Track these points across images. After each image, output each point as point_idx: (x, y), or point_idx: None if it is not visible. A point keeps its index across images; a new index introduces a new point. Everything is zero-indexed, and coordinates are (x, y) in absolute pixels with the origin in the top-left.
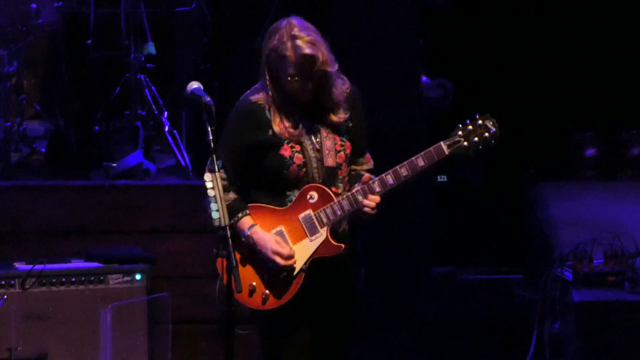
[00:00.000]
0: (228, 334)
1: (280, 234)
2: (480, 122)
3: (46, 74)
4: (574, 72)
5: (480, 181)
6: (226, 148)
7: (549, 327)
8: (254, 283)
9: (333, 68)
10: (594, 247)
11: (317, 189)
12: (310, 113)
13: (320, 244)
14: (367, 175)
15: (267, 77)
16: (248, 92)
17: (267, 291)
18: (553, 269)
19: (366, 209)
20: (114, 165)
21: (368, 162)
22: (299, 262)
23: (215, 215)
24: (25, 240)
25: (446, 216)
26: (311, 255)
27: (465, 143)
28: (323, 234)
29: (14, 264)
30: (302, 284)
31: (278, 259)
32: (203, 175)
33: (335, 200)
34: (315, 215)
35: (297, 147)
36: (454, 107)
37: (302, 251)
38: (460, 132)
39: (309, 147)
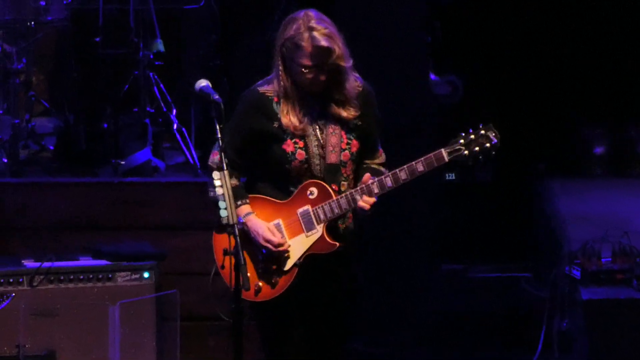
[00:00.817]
0: (236, 330)
1: (277, 226)
2: (482, 132)
3: (55, 71)
4: (583, 69)
5: (489, 178)
6: (231, 133)
7: (558, 324)
8: (248, 274)
9: (347, 63)
10: (602, 244)
11: (317, 185)
12: (319, 107)
13: (316, 240)
14: (367, 175)
15: (281, 66)
16: (257, 83)
17: (260, 283)
18: (561, 267)
19: (360, 207)
20: (122, 162)
21: (380, 156)
22: (294, 257)
23: (223, 213)
24: (33, 237)
25: (455, 213)
26: (306, 251)
27: (466, 152)
28: (319, 230)
29: (22, 261)
30: (295, 278)
31: (270, 246)
32: (206, 175)
33: (334, 198)
34: (313, 211)
35: (301, 144)
36: (464, 103)
37: (298, 246)
38: (461, 141)
39: (313, 144)
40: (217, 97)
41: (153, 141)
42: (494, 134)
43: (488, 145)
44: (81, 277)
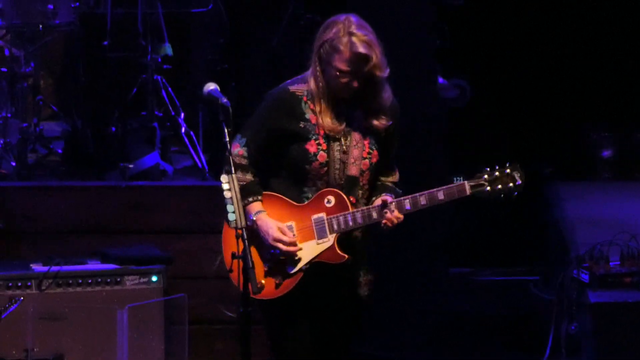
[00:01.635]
0: (244, 334)
1: (290, 228)
2: (508, 171)
3: (63, 75)
4: (590, 73)
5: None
6: (253, 127)
7: (566, 327)
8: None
9: (383, 73)
10: (610, 248)
11: (336, 195)
12: (348, 113)
13: (326, 249)
14: (385, 197)
15: (318, 67)
16: (287, 82)
17: (264, 281)
18: (569, 270)
19: (386, 221)
20: (130, 166)
21: (395, 175)
22: (301, 262)
23: (231, 217)
24: (41, 241)
25: (463, 217)
26: (314, 258)
27: (488, 188)
28: (331, 240)
29: (31, 265)
30: (298, 282)
31: (280, 245)
32: (220, 177)
33: (351, 210)
34: (327, 220)
35: (324, 146)
36: (471, 107)
37: (307, 251)
38: (485, 176)
39: (336, 148)
40: (225, 100)
41: (161, 145)
42: (519, 175)
43: (512, 185)
44: (89, 280)
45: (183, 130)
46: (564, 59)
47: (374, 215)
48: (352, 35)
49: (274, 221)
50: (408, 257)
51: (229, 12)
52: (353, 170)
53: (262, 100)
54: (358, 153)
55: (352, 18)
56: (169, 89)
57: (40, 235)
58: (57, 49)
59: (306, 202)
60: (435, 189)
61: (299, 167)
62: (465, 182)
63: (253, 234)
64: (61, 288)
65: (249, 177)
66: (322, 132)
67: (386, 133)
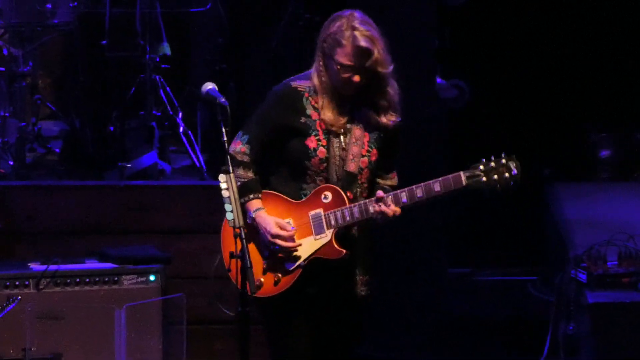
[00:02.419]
0: (243, 334)
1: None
2: (503, 161)
3: (61, 74)
4: (589, 73)
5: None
6: (256, 124)
7: (564, 328)
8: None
9: (387, 70)
10: (608, 248)
11: (333, 190)
12: (353, 111)
13: (323, 245)
14: (380, 192)
15: (321, 61)
16: (290, 78)
17: (262, 279)
18: (567, 271)
19: (381, 212)
20: (128, 165)
21: (393, 178)
22: (299, 258)
23: (229, 216)
24: (40, 240)
25: (462, 217)
26: (312, 254)
27: (484, 178)
28: (328, 235)
29: (29, 264)
30: (297, 279)
31: (279, 241)
32: (218, 176)
33: (348, 205)
34: (325, 215)
35: (324, 142)
36: (470, 107)
37: (305, 248)
38: (481, 167)
39: (335, 145)
40: (223, 100)
41: (159, 144)
42: (514, 165)
43: (507, 175)
44: (87, 280)
45: (181, 129)
46: (563, 60)
47: (371, 209)
48: (355, 30)
49: (273, 217)
50: (406, 257)
51: (228, 12)
52: (351, 167)
53: (265, 97)
54: (357, 150)
55: (357, 14)
56: (167, 88)
57: (38, 234)
58: (55, 48)
59: (304, 199)
60: (431, 181)
61: (299, 162)
62: (461, 172)
63: (252, 232)
64: (59, 287)
65: (250, 174)
66: (322, 128)
67: (391, 132)
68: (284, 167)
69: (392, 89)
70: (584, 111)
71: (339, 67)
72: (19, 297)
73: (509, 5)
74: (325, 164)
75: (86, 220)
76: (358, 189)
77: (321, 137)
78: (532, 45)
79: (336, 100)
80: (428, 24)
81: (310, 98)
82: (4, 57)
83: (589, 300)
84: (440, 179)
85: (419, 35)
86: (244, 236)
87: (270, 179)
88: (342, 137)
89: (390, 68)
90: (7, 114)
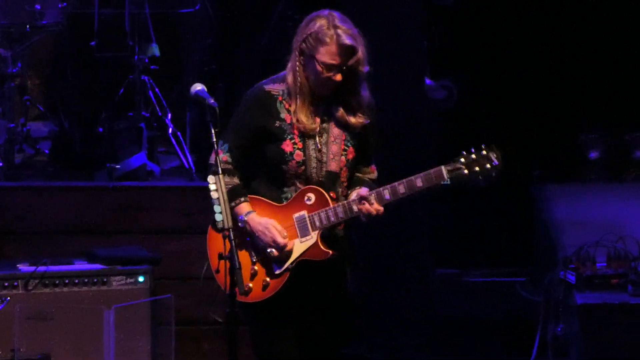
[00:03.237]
0: (231, 335)
1: None
2: (484, 152)
3: (50, 75)
4: (579, 74)
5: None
6: (233, 131)
7: (553, 329)
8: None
9: (365, 69)
10: (597, 249)
11: (315, 192)
12: (325, 111)
13: (309, 246)
14: (360, 190)
15: (298, 63)
16: (263, 81)
17: (251, 284)
18: (556, 271)
19: (366, 211)
20: (117, 166)
21: (372, 172)
22: (286, 261)
23: (218, 217)
24: (29, 241)
25: (451, 217)
26: (299, 256)
27: (466, 171)
28: (314, 237)
29: (17, 265)
30: (286, 282)
31: (273, 247)
32: (206, 177)
33: (332, 206)
34: (309, 217)
35: (300, 144)
36: (459, 108)
37: (291, 251)
38: (462, 160)
39: (311, 147)
40: (212, 101)
41: (148, 145)
42: (495, 155)
43: (489, 166)
44: (76, 281)
45: (170, 130)
46: (553, 61)
47: (355, 208)
48: (338, 28)
49: (269, 220)
50: (395, 258)
51: (217, 12)
52: (333, 166)
53: (240, 102)
54: (337, 149)
55: (335, 13)
56: (156, 89)
57: (27, 235)
58: (44, 49)
59: (287, 202)
60: (413, 176)
61: (277, 167)
62: (442, 166)
63: (240, 236)
64: (48, 288)
65: (235, 180)
66: (297, 131)
67: (363, 130)
68: (263, 173)
69: (365, 91)
70: (573, 112)
71: (321, 66)
72: (8, 297)
73: (499, 5)
74: (303, 167)
75: (75, 221)
76: (340, 188)
77: (297, 140)
78: (522, 46)
79: (310, 102)
80: (417, 24)
81: (284, 102)
82: None
83: (578, 301)
84: (422, 174)
85: (408, 36)
86: (232, 237)
87: (252, 184)
88: (317, 137)
89: (367, 68)
90: None
